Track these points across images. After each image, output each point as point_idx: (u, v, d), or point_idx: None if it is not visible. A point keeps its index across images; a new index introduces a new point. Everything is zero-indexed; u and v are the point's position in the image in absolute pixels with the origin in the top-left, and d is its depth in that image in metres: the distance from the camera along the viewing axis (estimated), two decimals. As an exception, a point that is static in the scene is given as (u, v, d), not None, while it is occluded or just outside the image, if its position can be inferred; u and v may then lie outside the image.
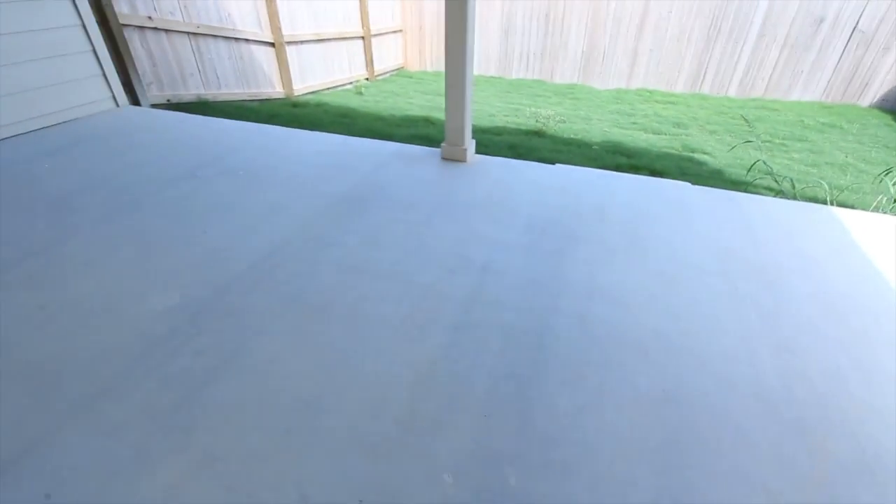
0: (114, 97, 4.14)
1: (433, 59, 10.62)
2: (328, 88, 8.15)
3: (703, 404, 1.43)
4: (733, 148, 5.17)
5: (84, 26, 3.80)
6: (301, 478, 1.20)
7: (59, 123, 3.67)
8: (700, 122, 6.64)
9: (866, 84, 8.08)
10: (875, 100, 8.13)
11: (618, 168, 4.16)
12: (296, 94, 7.28)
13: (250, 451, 1.27)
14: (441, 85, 8.87)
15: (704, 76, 8.77)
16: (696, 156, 4.96)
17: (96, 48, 3.92)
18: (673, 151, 5.10)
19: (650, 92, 8.86)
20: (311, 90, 7.68)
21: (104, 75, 4.03)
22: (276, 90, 7.00)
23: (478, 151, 3.30)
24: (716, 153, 5.10)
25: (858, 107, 8.08)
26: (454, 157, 3.13)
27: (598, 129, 6.03)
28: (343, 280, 1.96)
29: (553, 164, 3.39)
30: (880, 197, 3.16)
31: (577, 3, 8.96)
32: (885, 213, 2.90)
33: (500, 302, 1.84)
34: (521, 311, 1.79)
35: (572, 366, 1.56)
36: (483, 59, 10.08)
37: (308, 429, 1.33)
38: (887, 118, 7.45)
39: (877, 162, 5.25)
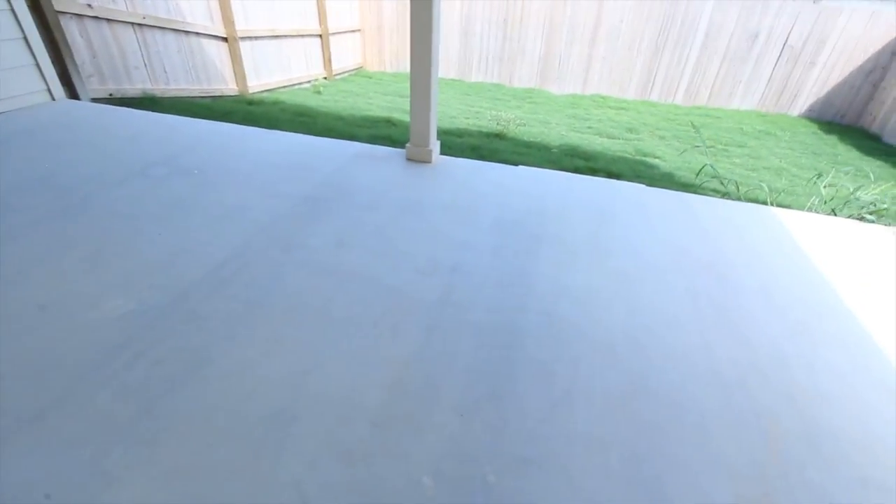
0: (49, 89, 3.84)
1: (392, 59, 10.57)
2: (285, 87, 7.93)
3: (667, 396, 1.51)
4: (683, 152, 5.47)
5: (13, 10, 3.50)
6: (276, 488, 1.16)
7: (-13, 117, 3.37)
8: (650, 128, 6.97)
9: (795, 95, 8.77)
10: (803, 110, 8.85)
11: (576, 170, 4.30)
12: (251, 91, 7.03)
13: (221, 462, 1.21)
14: (401, 86, 8.87)
15: (653, 84, 9.23)
16: (649, 160, 5.21)
17: (27, 35, 3.62)
18: (627, 155, 5.33)
19: (603, 98, 9.22)
20: (266, 88, 7.45)
21: (37, 65, 3.73)
22: (229, 87, 6.73)
23: (441, 153, 3.31)
24: (666, 157, 5.38)
25: (789, 116, 8.77)
26: (419, 158, 3.12)
27: (556, 132, 6.20)
28: (310, 283, 1.91)
29: (516, 165, 3.46)
30: (813, 198, 3.44)
31: (534, 7, 9.18)
32: (817, 212, 3.16)
33: (471, 302, 1.86)
34: (491, 312, 1.82)
35: (543, 364, 1.59)
36: (443, 61, 10.13)
37: (281, 437, 1.29)
38: (814, 127, 8.12)
39: (806, 167, 5.72)
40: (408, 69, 11.41)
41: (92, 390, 1.38)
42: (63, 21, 4.22)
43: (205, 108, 5.37)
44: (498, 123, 6.02)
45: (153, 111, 3.89)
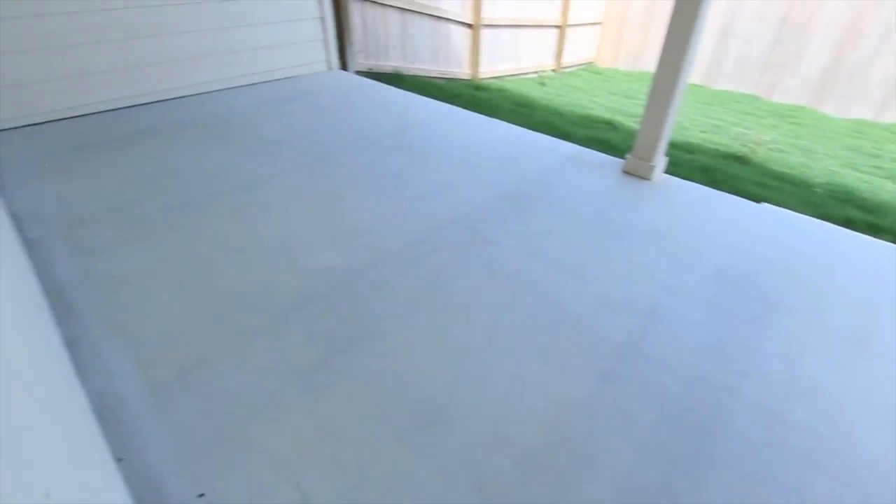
0: (328, 61, 4.63)
1: (629, 56, 9.80)
2: (512, 75, 8.08)
3: None
4: None
5: (320, -5, 4.28)
6: (404, 490, 1.14)
7: (283, 78, 4.24)
8: None
9: None
10: None
11: (849, 223, 3.28)
12: (480, 76, 7.37)
13: (366, 440, 1.25)
14: (633, 86, 8.19)
15: None
16: (974, 228, 3.67)
17: (324, 16, 4.40)
18: (934, 215, 3.86)
19: (910, 130, 6.89)
20: (495, 74, 7.71)
21: (325, 40, 4.52)
22: (462, 70, 7.17)
23: (664, 170, 2.88)
24: None
25: None
26: (638, 173, 2.77)
27: (822, 166, 4.88)
28: (490, 283, 1.85)
29: (758, 201, 2.81)
30: None
31: (830, 7, 7.31)
32: None
33: (664, 361, 1.54)
34: (688, 381, 1.48)
35: (749, 477, 1.22)
36: (687, 62, 8.94)
37: (424, 436, 1.27)
38: None
39: None
40: (644, 68, 10.42)
41: (289, 329, 1.58)
42: (350, 4, 5.01)
43: (438, 88, 5.82)
44: (743, 144, 5.03)
45: (397, 86, 4.36)
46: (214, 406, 1.33)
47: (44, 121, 3.09)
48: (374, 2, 5.37)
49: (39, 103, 3.05)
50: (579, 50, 9.57)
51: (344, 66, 4.88)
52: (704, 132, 5.64)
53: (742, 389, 1.45)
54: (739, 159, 4.55)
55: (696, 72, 9.00)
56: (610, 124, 5.24)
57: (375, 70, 5.72)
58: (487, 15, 6.99)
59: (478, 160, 2.90)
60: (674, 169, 3.62)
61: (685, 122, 6.15)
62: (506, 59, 7.88)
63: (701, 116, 6.60)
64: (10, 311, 1.03)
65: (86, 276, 1.80)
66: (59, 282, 1.77)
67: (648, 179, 2.73)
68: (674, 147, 4.67)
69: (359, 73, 5.12)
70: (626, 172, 2.80)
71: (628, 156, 2.80)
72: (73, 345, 1.50)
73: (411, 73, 6.20)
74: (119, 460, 1.19)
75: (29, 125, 3.03)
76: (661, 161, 2.75)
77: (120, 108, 3.35)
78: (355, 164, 2.75)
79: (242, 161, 2.72)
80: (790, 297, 1.87)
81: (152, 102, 3.50)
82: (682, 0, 2.30)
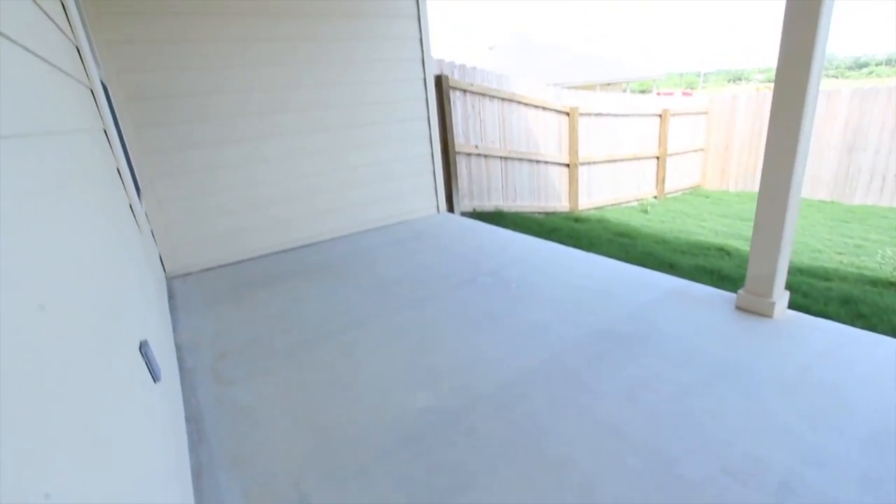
0: (437, 205, 5.25)
1: (738, 178, 9.50)
2: (612, 205, 8.25)
3: None
4: None
5: (432, 154, 5.05)
6: None
7: (398, 223, 4.87)
8: None
9: None
10: None
11: None
12: (579, 208, 7.64)
13: None
14: (745, 207, 7.80)
15: None
16: None
17: (435, 169, 5.11)
18: None
19: None
20: (594, 206, 7.94)
21: (435, 189, 5.18)
22: (562, 204, 7.54)
23: (792, 304, 2.58)
24: None
25: None
26: (755, 310, 2.53)
27: None
28: (587, 436, 1.74)
29: (927, 342, 2.33)
30: None
31: None
32: None
33: (812, 554, 1.25)
34: (850, 588, 1.16)
35: None
36: (809, 179, 8.36)
37: None
38: None
39: None
40: (756, 189, 9.97)
41: (380, 473, 1.62)
42: (457, 158, 5.79)
43: (537, 223, 6.13)
44: (897, 268, 4.34)
45: (497, 224, 4.72)
46: (305, 552, 1.36)
47: (213, 266, 3.88)
48: (479, 154, 6.14)
49: (210, 253, 3.88)
50: (683, 175, 9.55)
51: (451, 209, 5.46)
52: (842, 254, 5.02)
53: None
54: (894, 286, 3.90)
55: (823, 188, 8.36)
56: (721, 250, 4.95)
57: (479, 210, 6.28)
58: (584, 154, 7.49)
59: (574, 297, 2.91)
60: (805, 301, 3.25)
61: (817, 243, 5.57)
62: (604, 191, 8.14)
63: (836, 236, 5.94)
64: (161, 443, 1.24)
65: (219, 404, 2.09)
66: (199, 409, 2.06)
67: (769, 317, 2.47)
68: (804, 274, 4.20)
69: (463, 213, 5.68)
70: (741, 308, 2.57)
71: (740, 291, 2.60)
72: (197, 473, 1.69)
73: (512, 210, 6.68)
74: None
75: (203, 270, 3.83)
76: (781, 297, 2.50)
77: (268, 255, 4.09)
78: (454, 302, 2.94)
79: (358, 299, 3.07)
80: None
81: (293, 248, 4.23)
82: (779, 120, 2.26)
